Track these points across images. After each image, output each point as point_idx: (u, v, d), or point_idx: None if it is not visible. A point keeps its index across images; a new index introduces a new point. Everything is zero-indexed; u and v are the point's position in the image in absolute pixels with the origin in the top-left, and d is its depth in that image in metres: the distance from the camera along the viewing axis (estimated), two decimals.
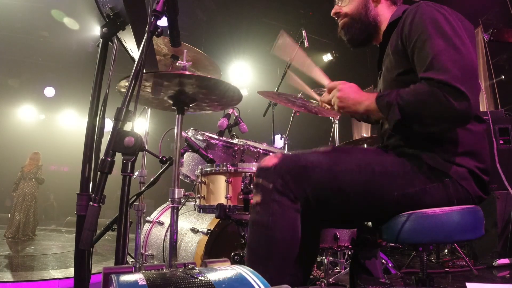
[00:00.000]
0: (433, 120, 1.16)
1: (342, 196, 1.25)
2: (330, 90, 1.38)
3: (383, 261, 2.96)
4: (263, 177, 1.27)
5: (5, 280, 3.46)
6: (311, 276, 2.66)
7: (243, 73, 8.48)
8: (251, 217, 1.30)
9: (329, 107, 1.42)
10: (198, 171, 1.93)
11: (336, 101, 1.33)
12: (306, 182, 1.23)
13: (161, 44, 2.21)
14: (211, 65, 2.34)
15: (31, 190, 7.23)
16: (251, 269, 0.75)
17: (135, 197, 2.23)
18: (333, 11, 1.54)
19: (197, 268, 0.77)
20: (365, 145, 3.30)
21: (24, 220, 6.99)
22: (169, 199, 1.71)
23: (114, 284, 0.68)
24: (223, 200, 1.75)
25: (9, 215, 7.28)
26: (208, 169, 1.85)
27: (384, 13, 1.46)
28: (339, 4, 1.52)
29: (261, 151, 2.31)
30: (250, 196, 1.69)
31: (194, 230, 2.33)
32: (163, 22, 1.22)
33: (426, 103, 1.13)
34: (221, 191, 1.77)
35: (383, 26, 1.44)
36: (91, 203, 0.98)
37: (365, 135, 3.40)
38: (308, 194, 1.23)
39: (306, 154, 1.31)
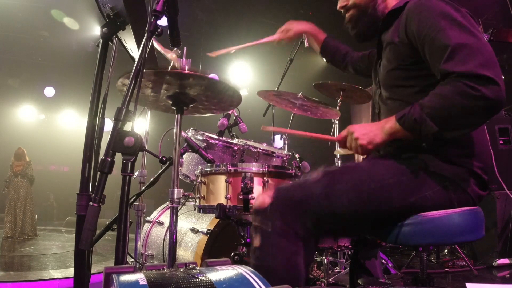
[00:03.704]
0: (469, 117, 1.10)
1: (342, 219, 1.23)
2: (344, 138, 1.30)
3: (383, 261, 2.96)
4: (260, 219, 1.23)
5: (5, 280, 3.45)
6: (310, 276, 2.66)
7: (243, 73, 8.48)
8: (252, 257, 1.26)
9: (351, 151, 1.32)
10: (198, 171, 1.93)
11: (355, 142, 1.24)
12: (305, 215, 1.20)
13: None
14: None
15: (26, 189, 7.13)
16: (252, 269, 0.75)
17: (135, 197, 2.23)
18: (339, 3, 1.49)
19: (197, 268, 0.77)
20: None
21: (21, 219, 6.94)
22: (169, 199, 1.71)
23: (115, 283, 0.68)
24: (223, 200, 1.75)
25: (5, 215, 7.22)
26: (208, 169, 1.85)
27: (392, 6, 1.40)
28: None
29: (261, 151, 2.31)
30: (249, 196, 1.69)
31: (194, 230, 2.33)
32: (163, 22, 1.22)
33: (456, 103, 1.06)
34: (221, 191, 1.77)
35: None
36: (91, 203, 0.98)
37: None
38: (308, 225, 1.20)
39: (299, 185, 1.27)
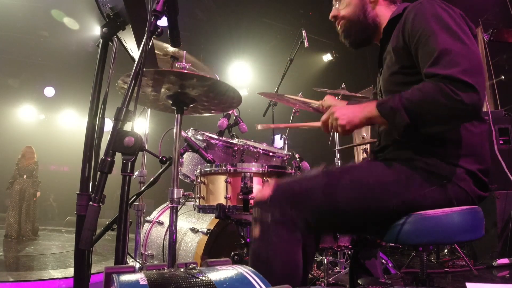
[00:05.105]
0: (443, 117, 1.14)
1: (341, 215, 1.25)
2: (326, 120, 1.32)
3: (383, 261, 2.96)
4: (260, 210, 1.26)
5: (5, 280, 3.45)
6: (310, 276, 2.66)
7: (243, 73, 8.47)
8: (251, 249, 1.28)
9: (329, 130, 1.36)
10: (198, 171, 1.93)
11: (335, 121, 1.27)
12: (304, 209, 1.21)
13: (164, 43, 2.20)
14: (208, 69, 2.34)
15: (32, 188, 7.12)
16: (252, 269, 0.75)
17: (135, 197, 2.23)
18: (331, 14, 1.53)
19: (198, 267, 0.77)
20: (366, 146, 3.31)
21: (24, 219, 6.91)
22: (168, 199, 1.72)
23: (115, 283, 0.68)
24: (222, 200, 1.75)
25: (9, 215, 7.19)
26: (208, 169, 1.85)
27: (384, 13, 1.44)
28: (337, 7, 1.52)
29: (261, 151, 2.31)
30: (249, 196, 1.69)
31: (194, 230, 2.33)
32: (163, 22, 1.22)
33: (435, 101, 1.09)
34: (220, 191, 1.77)
35: (383, 25, 1.43)
36: (91, 203, 0.98)
37: (365, 135, 3.40)
38: (307, 219, 1.22)
39: (299, 180, 1.30)
